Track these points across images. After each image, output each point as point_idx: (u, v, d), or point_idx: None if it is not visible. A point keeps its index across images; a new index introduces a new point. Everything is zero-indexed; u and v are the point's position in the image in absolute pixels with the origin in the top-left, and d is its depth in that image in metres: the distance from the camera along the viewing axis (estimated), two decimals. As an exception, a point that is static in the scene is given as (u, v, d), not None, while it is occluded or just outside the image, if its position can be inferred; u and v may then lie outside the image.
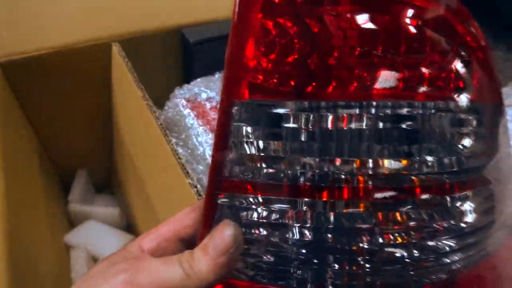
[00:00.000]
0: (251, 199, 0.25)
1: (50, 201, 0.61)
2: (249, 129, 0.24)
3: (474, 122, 0.25)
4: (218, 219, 0.26)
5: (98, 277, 0.24)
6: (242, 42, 0.24)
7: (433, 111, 0.24)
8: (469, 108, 0.25)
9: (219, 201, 0.26)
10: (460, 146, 0.25)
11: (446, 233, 0.24)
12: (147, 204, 0.53)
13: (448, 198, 0.24)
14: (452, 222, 0.24)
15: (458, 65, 0.25)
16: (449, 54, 0.24)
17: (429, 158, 0.24)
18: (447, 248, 0.24)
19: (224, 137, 0.25)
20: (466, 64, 0.25)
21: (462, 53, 0.25)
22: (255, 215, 0.25)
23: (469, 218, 0.25)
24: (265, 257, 0.25)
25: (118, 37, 0.51)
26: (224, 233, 0.25)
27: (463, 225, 0.25)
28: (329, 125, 0.23)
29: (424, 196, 0.24)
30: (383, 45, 0.23)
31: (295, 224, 0.24)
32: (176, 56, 0.60)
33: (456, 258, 0.25)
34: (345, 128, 0.23)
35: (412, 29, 0.24)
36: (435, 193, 0.24)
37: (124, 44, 0.50)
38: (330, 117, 0.23)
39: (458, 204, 0.25)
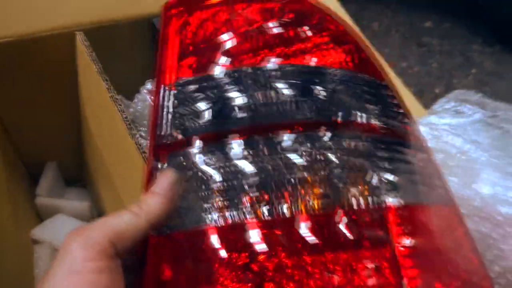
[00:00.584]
0: (193, 150, 0.30)
1: (16, 194, 0.60)
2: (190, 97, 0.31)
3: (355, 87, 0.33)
4: None
5: (54, 261, 0.24)
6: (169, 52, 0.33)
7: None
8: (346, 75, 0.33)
9: (159, 166, 0.30)
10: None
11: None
12: (115, 197, 0.52)
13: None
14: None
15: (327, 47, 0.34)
16: (317, 39, 0.34)
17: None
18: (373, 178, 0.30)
19: (161, 110, 0.31)
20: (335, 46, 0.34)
21: (329, 39, 0.34)
22: (203, 161, 0.29)
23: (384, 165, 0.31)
24: (216, 199, 0.28)
25: (83, 25, 0.49)
26: (167, 173, 0.28)
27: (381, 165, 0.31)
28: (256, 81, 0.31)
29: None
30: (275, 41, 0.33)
31: (240, 162, 0.29)
32: (147, 47, 0.58)
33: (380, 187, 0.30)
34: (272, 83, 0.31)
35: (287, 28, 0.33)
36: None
37: (90, 34, 0.49)
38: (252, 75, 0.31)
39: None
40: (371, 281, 0.28)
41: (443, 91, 1.17)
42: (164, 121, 0.31)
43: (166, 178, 0.28)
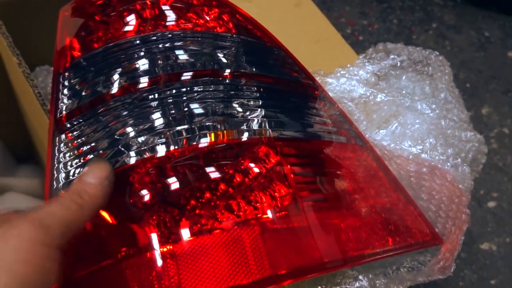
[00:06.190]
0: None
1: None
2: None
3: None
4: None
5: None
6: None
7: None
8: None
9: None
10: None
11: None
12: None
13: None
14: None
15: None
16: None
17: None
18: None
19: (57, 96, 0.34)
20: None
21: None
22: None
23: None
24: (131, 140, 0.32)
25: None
26: (101, 164, 0.30)
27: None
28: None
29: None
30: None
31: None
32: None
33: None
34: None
35: None
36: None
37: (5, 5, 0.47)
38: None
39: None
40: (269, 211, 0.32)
41: (404, 47, 1.17)
42: (60, 96, 0.34)
43: (100, 169, 0.29)
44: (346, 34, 1.19)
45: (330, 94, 0.39)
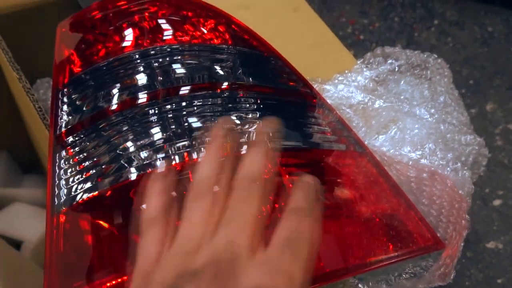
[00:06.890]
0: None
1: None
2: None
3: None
4: None
5: None
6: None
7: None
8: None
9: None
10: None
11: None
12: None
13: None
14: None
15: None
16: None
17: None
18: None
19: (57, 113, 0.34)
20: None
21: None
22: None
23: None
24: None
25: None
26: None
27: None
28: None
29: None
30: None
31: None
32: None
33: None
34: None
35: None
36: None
37: (4, 19, 0.48)
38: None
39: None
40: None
41: (405, 46, 1.16)
42: (60, 113, 0.35)
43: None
44: (346, 34, 1.19)
45: (329, 101, 0.39)
